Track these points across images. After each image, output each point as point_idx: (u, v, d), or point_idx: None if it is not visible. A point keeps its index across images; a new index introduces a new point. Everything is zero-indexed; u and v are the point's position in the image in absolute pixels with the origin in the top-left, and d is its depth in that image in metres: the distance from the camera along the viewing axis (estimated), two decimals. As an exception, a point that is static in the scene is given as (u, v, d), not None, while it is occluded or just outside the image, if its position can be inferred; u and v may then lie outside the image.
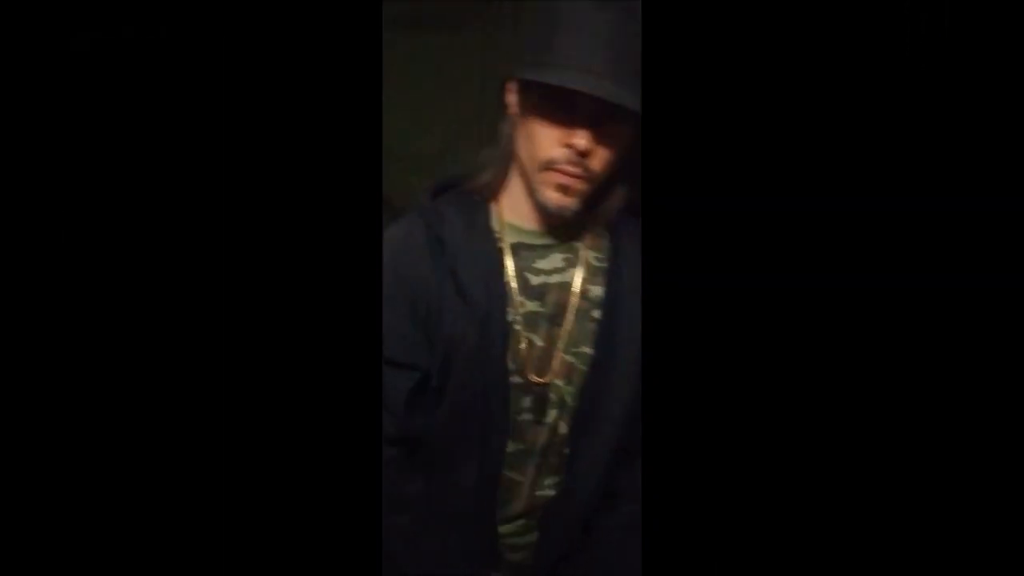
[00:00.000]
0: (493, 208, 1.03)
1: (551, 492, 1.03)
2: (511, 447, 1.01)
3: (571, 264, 1.02)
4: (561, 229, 1.02)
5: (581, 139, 0.92)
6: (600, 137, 0.93)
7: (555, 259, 1.02)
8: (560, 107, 0.93)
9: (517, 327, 0.99)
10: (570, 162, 0.94)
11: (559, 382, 1.00)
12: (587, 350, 1.01)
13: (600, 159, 0.95)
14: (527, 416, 1.01)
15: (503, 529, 1.03)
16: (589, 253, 1.03)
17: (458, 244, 0.99)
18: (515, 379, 0.99)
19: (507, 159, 1.02)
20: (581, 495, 1.02)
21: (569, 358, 1.00)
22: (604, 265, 1.03)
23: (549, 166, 0.95)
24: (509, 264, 1.00)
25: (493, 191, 1.03)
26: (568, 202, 0.96)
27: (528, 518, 1.04)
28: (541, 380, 0.99)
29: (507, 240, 1.02)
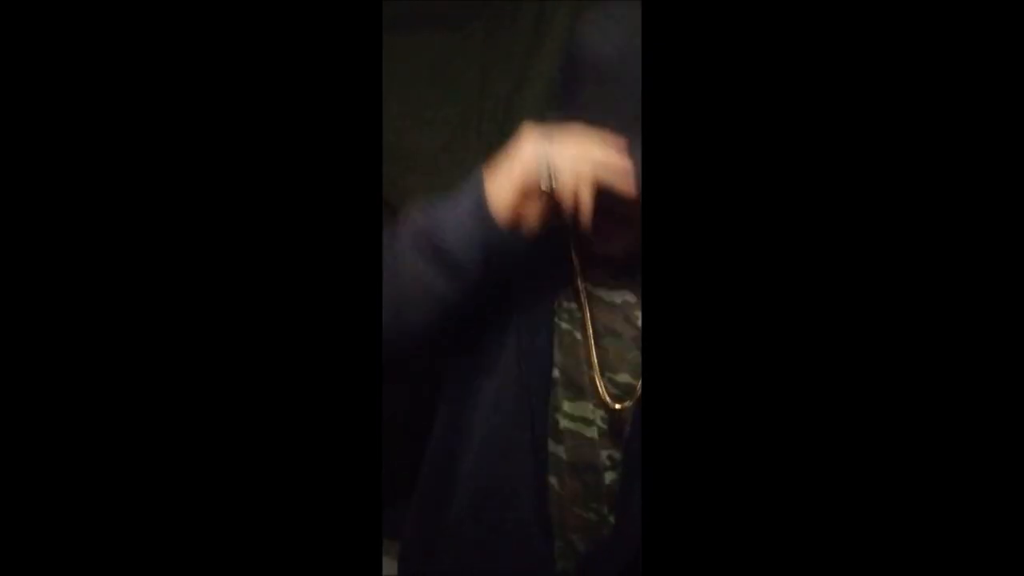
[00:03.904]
0: None
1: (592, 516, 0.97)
2: (552, 447, 0.96)
3: (621, 285, 0.98)
4: None
5: None
6: None
7: (603, 273, 0.98)
8: None
9: (554, 320, 0.96)
10: None
11: (592, 399, 0.96)
12: (627, 379, 0.96)
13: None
14: (567, 423, 0.97)
15: None
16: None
17: None
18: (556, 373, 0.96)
19: None
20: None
21: (603, 381, 0.96)
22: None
23: None
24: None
25: None
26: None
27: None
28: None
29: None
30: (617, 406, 0.95)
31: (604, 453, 0.96)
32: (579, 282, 0.98)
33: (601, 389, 0.95)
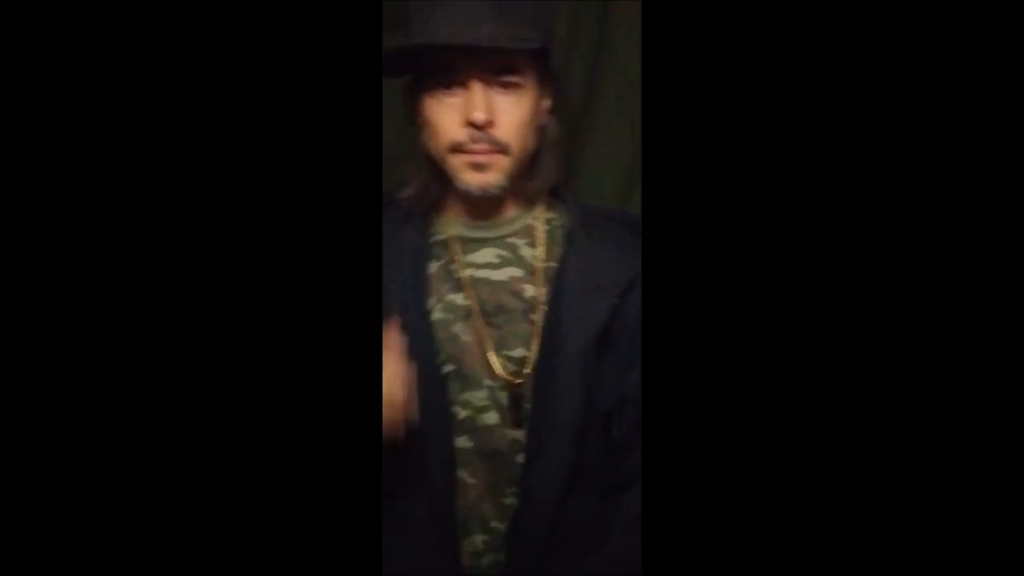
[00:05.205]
0: (432, 214, 1.01)
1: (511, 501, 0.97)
2: (457, 441, 0.96)
3: (506, 262, 0.99)
4: (499, 223, 0.99)
5: (477, 112, 0.89)
6: (498, 102, 0.91)
7: (487, 254, 0.99)
8: (445, 83, 0.91)
9: (436, 316, 0.96)
10: (474, 140, 0.91)
11: (489, 382, 0.97)
12: (522, 353, 0.97)
13: (506, 127, 0.91)
14: (466, 413, 0.97)
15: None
16: (528, 251, 0.99)
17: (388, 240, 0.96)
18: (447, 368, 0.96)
19: (428, 163, 0.98)
20: (540, 513, 0.95)
21: (500, 360, 0.96)
22: (545, 265, 0.98)
23: (455, 149, 0.92)
24: (435, 256, 0.98)
25: (427, 201, 1.00)
26: (488, 179, 0.93)
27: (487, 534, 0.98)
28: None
29: (446, 233, 0.99)
30: (517, 381, 0.95)
31: (508, 436, 0.96)
32: (462, 271, 0.98)
33: (498, 368, 0.95)
